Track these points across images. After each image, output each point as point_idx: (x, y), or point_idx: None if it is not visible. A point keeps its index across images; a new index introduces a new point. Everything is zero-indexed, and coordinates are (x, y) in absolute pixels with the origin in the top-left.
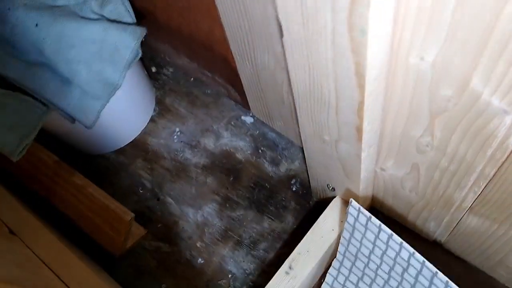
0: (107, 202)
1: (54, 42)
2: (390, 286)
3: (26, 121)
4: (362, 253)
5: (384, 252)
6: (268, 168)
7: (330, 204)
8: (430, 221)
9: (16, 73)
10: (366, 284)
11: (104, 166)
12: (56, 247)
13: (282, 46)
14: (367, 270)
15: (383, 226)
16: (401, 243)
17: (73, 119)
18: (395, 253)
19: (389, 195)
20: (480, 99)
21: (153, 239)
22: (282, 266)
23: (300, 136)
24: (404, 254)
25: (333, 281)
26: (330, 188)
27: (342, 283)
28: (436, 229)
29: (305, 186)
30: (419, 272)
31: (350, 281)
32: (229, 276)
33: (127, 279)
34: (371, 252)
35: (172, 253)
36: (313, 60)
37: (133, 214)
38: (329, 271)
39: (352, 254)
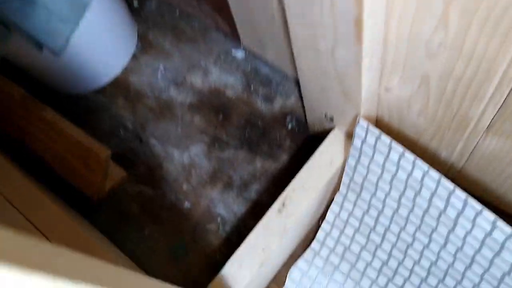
0: (80, 139)
1: None
2: (400, 215)
3: None
4: (369, 180)
5: (394, 176)
6: (261, 105)
7: (328, 136)
8: (442, 151)
9: None
10: (372, 217)
11: (83, 106)
12: (26, 188)
13: None
14: (374, 201)
15: (394, 144)
16: (415, 160)
17: (40, 46)
18: (406, 175)
19: (395, 123)
20: None
21: (135, 182)
22: (274, 203)
23: (294, 63)
24: (417, 174)
25: (335, 218)
26: (328, 119)
27: (345, 219)
28: (448, 160)
29: (301, 123)
30: (434, 193)
31: (354, 216)
32: (218, 219)
33: (108, 225)
34: (379, 178)
35: (156, 197)
36: None
37: (109, 151)
38: (330, 207)
39: (358, 184)
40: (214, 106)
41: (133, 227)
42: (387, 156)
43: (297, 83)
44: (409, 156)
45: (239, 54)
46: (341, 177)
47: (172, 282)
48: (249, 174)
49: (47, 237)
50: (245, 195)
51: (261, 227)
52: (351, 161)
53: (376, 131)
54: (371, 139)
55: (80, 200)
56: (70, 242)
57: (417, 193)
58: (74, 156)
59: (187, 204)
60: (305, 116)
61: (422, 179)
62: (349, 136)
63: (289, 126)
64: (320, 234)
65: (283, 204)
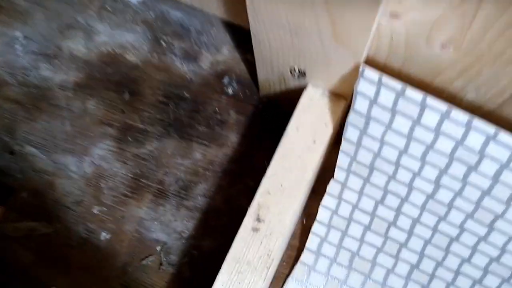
0: None
1: None
2: (438, 201)
3: None
4: (384, 158)
5: (429, 147)
6: (182, 67)
7: (301, 101)
8: (468, 92)
9: None
10: (391, 208)
11: None
12: None
13: None
14: (393, 185)
15: (431, 100)
16: (470, 121)
17: None
18: (453, 144)
19: (395, 63)
20: None
21: (18, 218)
22: (245, 219)
23: None
24: (475, 141)
25: (331, 216)
26: (296, 74)
27: (347, 216)
28: (474, 102)
29: (246, 84)
30: (505, 166)
31: (361, 209)
32: (158, 248)
33: None
34: (403, 152)
35: (55, 233)
36: None
37: None
38: (322, 203)
39: (364, 165)
40: (113, 80)
41: (30, 284)
42: (418, 120)
43: (228, 26)
44: (460, 116)
45: None
46: (332, 159)
47: None
48: (188, 172)
49: None
50: (189, 204)
51: (231, 261)
52: (352, 134)
53: (397, 84)
54: (387, 98)
55: None
56: None
57: (473, 168)
58: None
59: (104, 235)
60: (250, 72)
61: (484, 147)
62: (335, 96)
63: (229, 91)
64: (312, 242)
65: (258, 218)
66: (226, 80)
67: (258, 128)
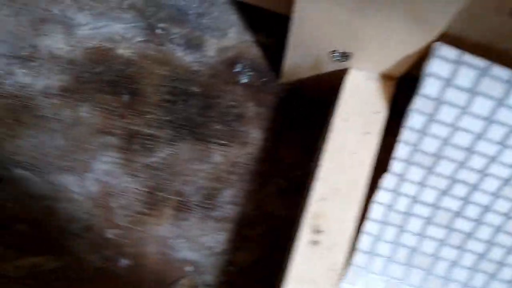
0: None
1: None
2: None
3: None
4: (454, 145)
5: None
6: (186, 57)
7: (345, 88)
8: None
9: None
10: (458, 197)
11: None
12: None
13: None
14: (463, 174)
15: None
16: None
17: None
18: None
19: (455, 30)
20: None
21: (18, 255)
22: (301, 232)
23: None
24: None
25: (386, 212)
26: (338, 57)
27: (403, 210)
28: None
29: (262, 70)
30: None
31: (422, 202)
32: (189, 268)
33: None
34: (480, 137)
35: (65, 267)
36: None
37: None
38: (375, 199)
39: (428, 154)
40: (107, 80)
41: None
42: (503, 100)
43: (233, 5)
44: None
45: None
46: (386, 151)
47: None
48: (209, 178)
49: None
50: (216, 214)
51: (293, 283)
52: (416, 121)
53: (480, 62)
54: (466, 78)
55: None
56: None
57: None
58: None
59: (124, 262)
60: (265, 57)
61: None
62: (382, 78)
63: (244, 80)
64: (364, 242)
65: (317, 230)
66: (238, 67)
67: (282, 120)
